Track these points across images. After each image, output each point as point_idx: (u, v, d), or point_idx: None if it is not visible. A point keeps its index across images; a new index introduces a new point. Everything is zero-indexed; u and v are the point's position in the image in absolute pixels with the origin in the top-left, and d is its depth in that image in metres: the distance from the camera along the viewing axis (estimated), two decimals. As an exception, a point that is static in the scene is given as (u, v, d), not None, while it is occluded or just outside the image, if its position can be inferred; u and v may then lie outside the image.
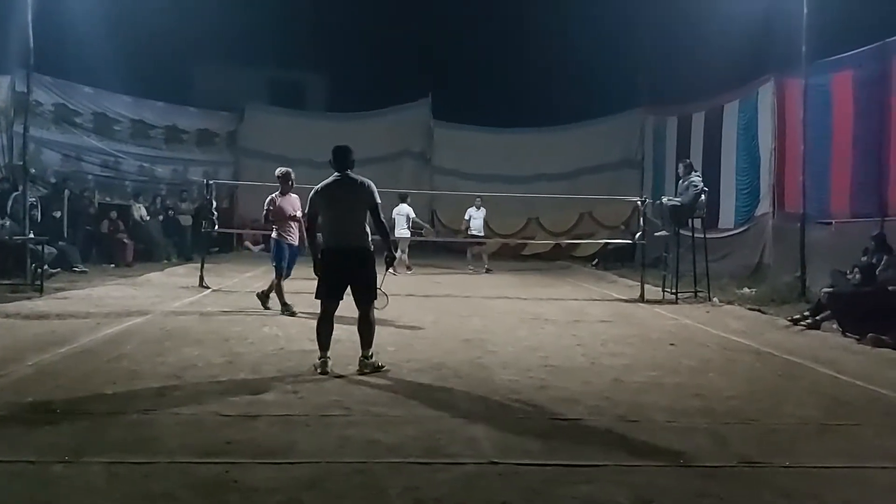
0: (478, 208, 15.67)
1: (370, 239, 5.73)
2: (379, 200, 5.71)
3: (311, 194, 5.73)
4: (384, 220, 5.96)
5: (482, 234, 15.94)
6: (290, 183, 8.58)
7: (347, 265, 5.62)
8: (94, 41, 14.65)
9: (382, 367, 5.62)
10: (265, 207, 8.59)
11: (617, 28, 18.55)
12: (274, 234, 8.61)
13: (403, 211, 14.73)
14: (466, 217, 15.82)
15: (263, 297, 8.72)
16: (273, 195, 8.60)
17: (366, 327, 5.63)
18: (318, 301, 5.71)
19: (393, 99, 21.04)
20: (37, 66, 11.65)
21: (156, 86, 18.60)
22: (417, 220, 15.25)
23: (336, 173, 5.75)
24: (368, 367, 5.55)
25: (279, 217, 8.49)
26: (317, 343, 5.61)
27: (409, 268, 14.56)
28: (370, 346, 5.65)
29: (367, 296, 5.64)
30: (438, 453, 3.80)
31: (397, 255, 14.98)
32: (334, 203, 5.65)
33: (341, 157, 5.78)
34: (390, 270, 7.42)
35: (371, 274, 5.65)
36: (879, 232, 8.88)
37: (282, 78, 23.88)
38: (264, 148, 20.03)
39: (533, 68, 22.52)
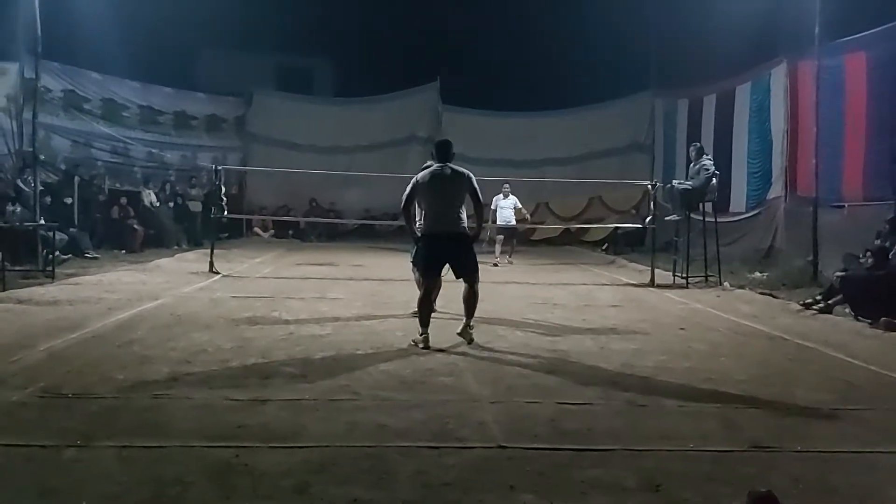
0: (506, 196, 14.03)
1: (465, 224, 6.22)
2: (477, 186, 6.20)
3: (413, 181, 6.21)
4: (483, 205, 6.44)
5: (513, 223, 14.08)
6: None
7: (447, 248, 6.15)
8: (102, 27, 14.60)
9: (472, 340, 6.09)
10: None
11: (626, 10, 18.31)
12: None
13: None
14: (493, 206, 13.75)
15: None
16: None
17: (471, 298, 6.15)
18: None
19: (401, 83, 20.93)
20: (45, 52, 11.65)
21: (164, 71, 18.57)
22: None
23: (437, 164, 6.19)
24: (468, 335, 6.08)
25: None
26: (418, 320, 6.09)
27: None
28: (473, 315, 6.18)
29: (470, 272, 6.20)
30: (447, 437, 3.80)
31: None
32: (437, 192, 6.12)
33: (444, 150, 6.25)
34: None
35: (470, 254, 6.21)
36: (894, 215, 8.79)
37: (290, 63, 23.79)
38: (272, 133, 20.05)
39: (542, 52, 22.30)
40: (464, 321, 6.14)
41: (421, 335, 5.96)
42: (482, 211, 6.41)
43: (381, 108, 20.79)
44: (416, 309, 6.21)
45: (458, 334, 6.07)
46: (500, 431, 3.92)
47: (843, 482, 3.38)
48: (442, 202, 6.10)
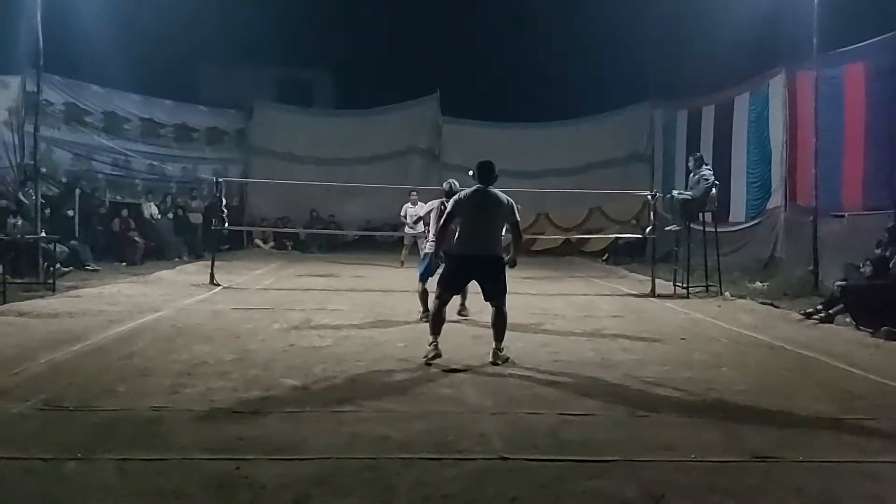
0: None
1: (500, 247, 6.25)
2: (519, 218, 6.20)
3: (454, 199, 6.15)
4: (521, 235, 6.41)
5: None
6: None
7: (478, 271, 6.12)
8: (104, 40, 14.69)
9: (508, 359, 5.94)
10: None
11: (625, 21, 18.41)
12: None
13: (415, 210, 14.77)
14: None
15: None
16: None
17: (500, 321, 6.03)
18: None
19: (401, 95, 21.02)
20: (46, 65, 11.70)
21: (165, 84, 18.66)
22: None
23: (479, 185, 6.11)
24: (500, 358, 5.92)
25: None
26: (430, 329, 6.04)
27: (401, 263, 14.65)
28: (502, 339, 6.02)
29: (498, 296, 6.05)
30: (448, 449, 3.80)
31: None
32: (475, 213, 6.03)
33: (487, 173, 6.13)
34: None
35: (501, 276, 6.08)
36: (894, 224, 8.80)
37: (290, 76, 23.91)
38: (273, 145, 20.12)
39: (541, 63, 22.42)
40: (493, 346, 5.98)
41: (431, 344, 5.90)
42: (520, 243, 6.39)
43: (381, 120, 20.85)
44: (423, 312, 6.37)
45: (491, 362, 5.85)
46: (501, 442, 3.91)
47: (845, 492, 3.37)
48: (479, 224, 6.03)
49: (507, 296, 6.11)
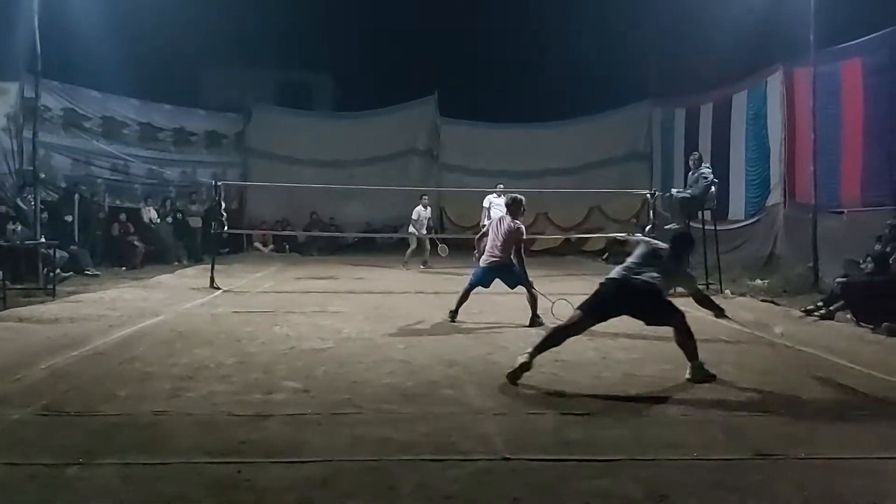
0: (499, 195, 13.01)
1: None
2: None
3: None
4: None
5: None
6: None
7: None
8: (101, 45, 14.68)
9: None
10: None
11: (622, 19, 18.43)
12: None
13: (427, 213, 14.93)
14: (486, 204, 13.69)
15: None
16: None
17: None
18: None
19: (399, 97, 21.04)
20: (44, 71, 11.70)
21: (163, 89, 18.67)
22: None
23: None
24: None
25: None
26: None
27: (424, 263, 14.67)
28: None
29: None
30: (450, 450, 3.79)
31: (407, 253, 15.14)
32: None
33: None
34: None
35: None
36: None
37: (288, 79, 23.94)
38: (272, 148, 20.12)
39: (538, 62, 22.46)
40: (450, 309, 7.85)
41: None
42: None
43: (379, 121, 20.86)
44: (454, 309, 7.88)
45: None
46: (503, 443, 3.91)
47: (848, 489, 3.37)
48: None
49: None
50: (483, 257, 8.19)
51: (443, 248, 15.06)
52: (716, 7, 13.54)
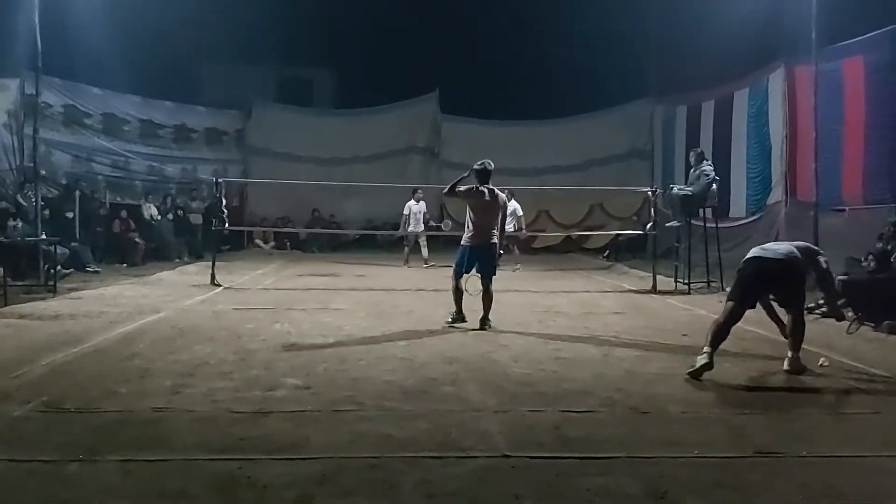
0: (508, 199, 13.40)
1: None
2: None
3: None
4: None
5: (513, 227, 13.49)
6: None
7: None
8: (102, 42, 14.66)
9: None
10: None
11: (624, 16, 18.38)
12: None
13: (418, 207, 14.79)
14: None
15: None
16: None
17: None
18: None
19: (400, 94, 21.01)
20: (45, 68, 11.68)
21: (164, 85, 18.65)
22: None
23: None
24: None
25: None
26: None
27: (426, 261, 14.67)
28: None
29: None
30: (451, 447, 3.79)
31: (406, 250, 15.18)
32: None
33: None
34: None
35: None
36: (896, 218, 8.79)
37: (289, 75, 23.90)
38: (272, 145, 20.11)
39: (539, 60, 22.39)
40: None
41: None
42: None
43: (380, 118, 20.84)
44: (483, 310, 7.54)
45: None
46: (503, 440, 3.91)
47: (849, 487, 3.36)
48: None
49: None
50: (474, 237, 7.57)
51: (446, 224, 15.46)
52: (717, 4, 13.51)
